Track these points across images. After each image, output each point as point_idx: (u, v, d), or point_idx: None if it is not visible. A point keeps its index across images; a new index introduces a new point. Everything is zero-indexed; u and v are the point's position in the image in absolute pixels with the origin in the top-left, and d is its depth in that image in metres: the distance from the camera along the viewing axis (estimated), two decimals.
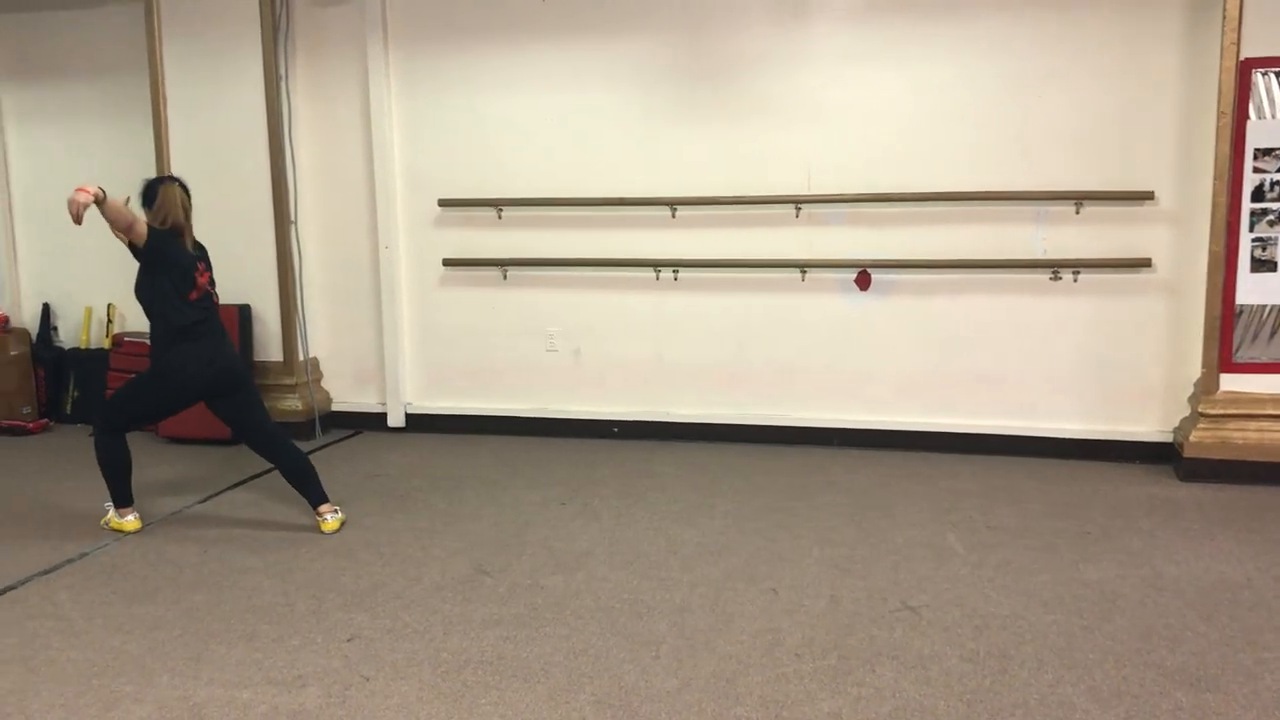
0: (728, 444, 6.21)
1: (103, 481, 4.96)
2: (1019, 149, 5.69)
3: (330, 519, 4.91)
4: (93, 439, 4.93)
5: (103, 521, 5.00)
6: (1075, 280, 5.72)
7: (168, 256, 4.71)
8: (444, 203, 6.53)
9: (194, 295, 4.77)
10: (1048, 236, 5.73)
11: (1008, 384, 5.90)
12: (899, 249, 5.91)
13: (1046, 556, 4.41)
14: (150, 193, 4.80)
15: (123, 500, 4.97)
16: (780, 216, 6.03)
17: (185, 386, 4.80)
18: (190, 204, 4.84)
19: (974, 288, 5.87)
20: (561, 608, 3.99)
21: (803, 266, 6.03)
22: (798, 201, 5.97)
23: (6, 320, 7.19)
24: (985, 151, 5.73)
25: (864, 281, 5.96)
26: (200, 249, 4.90)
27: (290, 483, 4.97)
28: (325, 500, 4.95)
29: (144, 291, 4.77)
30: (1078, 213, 5.66)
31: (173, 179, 4.89)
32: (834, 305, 6.05)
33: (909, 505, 5.12)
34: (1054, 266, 5.71)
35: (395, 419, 6.81)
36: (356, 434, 6.80)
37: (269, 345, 6.64)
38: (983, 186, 5.73)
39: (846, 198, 5.91)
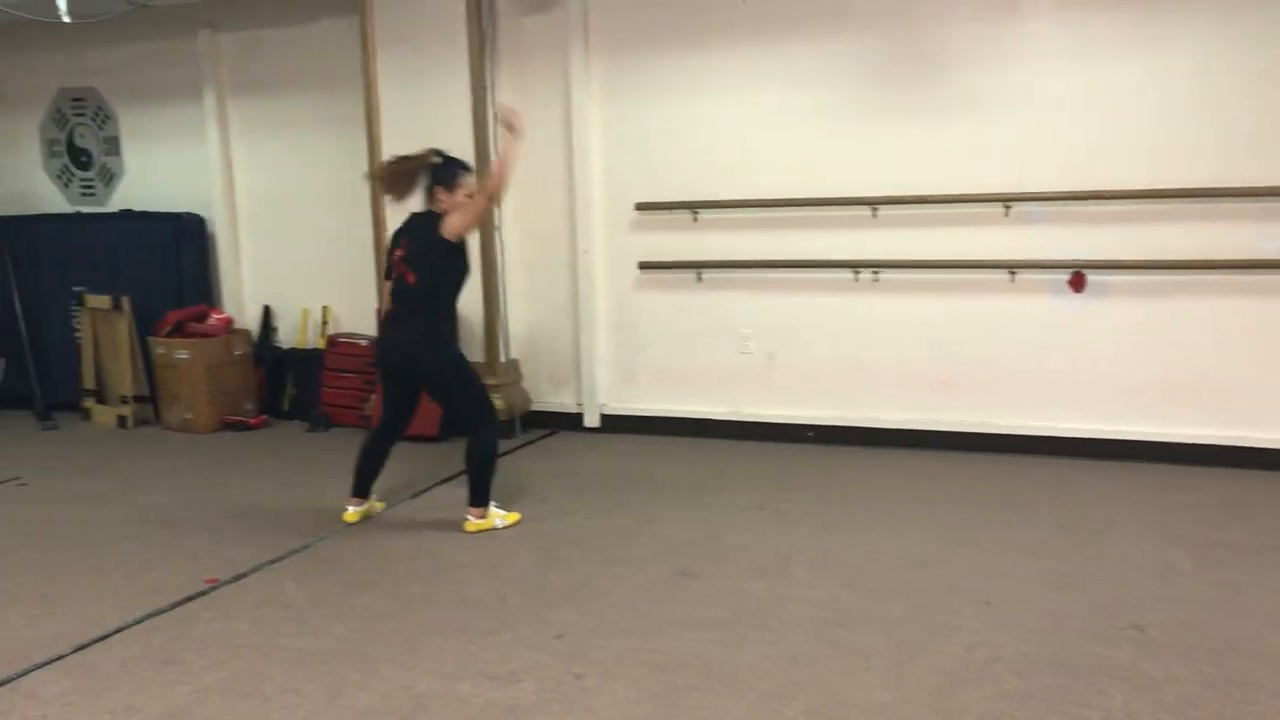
0: (930, 451, 6.04)
1: (317, 473, 5.20)
2: (1251, 142, 5.33)
3: (472, 520, 5.00)
4: None
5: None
6: None
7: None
8: (641, 206, 6.59)
9: (392, 275, 4.97)
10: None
11: (1237, 392, 5.54)
12: (1116, 249, 5.63)
13: None
14: None
15: (353, 490, 5.21)
16: (988, 215, 5.83)
17: (380, 369, 5.18)
18: (408, 170, 4.93)
19: (1198, 290, 5.53)
20: (768, 613, 3.95)
21: (1011, 267, 5.81)
22: (1007, 199, 5.76)
23: (231, 322, 7.63)
24: (1212, 145, 5.40)
25: (1078, 283, 5.70)
26: (408, 227, 4.97)
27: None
28: (478, 504, 5.02)
29: None
30: None
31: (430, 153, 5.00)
32: (1045, 308, 5.81)
33: (1129, 519, 4.86)
34: None
35: (591, 419, 6.91)
36: (553, 433, 6.92)
37: (473, 346, 6.81)
38: (1208, 182, 5.40)
39: (1060, 195, 5.67)
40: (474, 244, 6.59)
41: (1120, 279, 5.67)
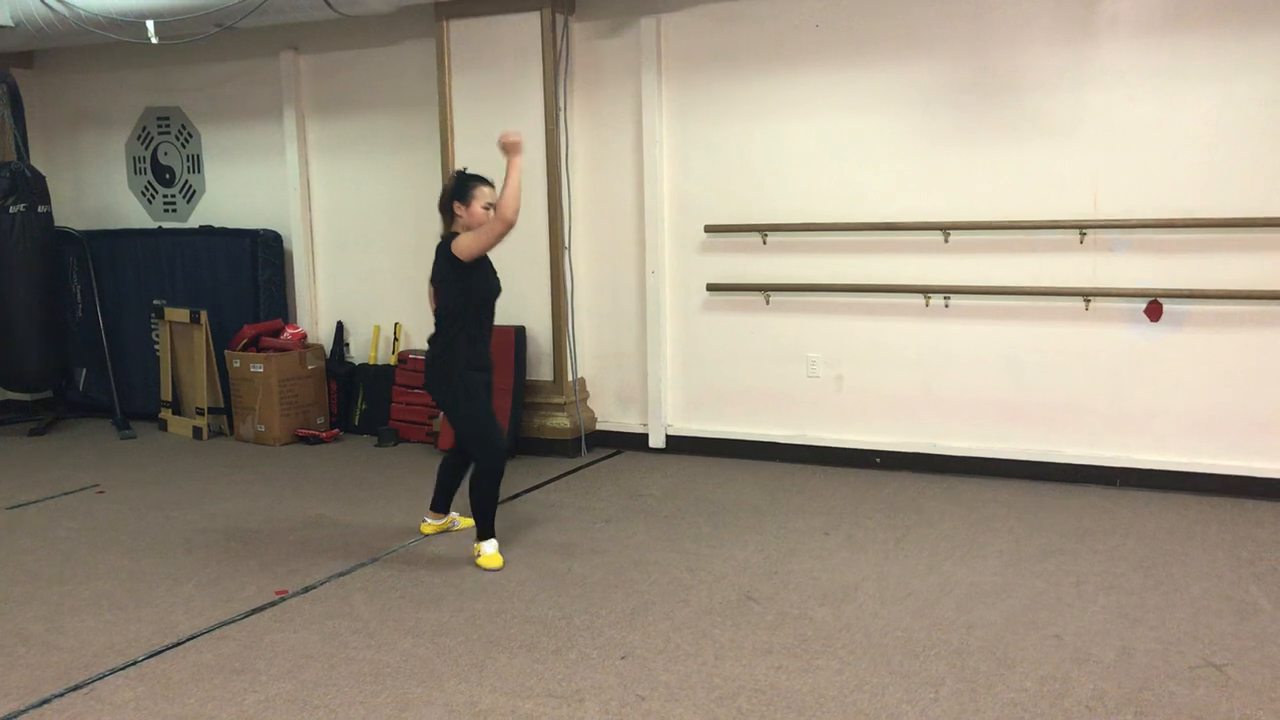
0: (1000, 480, 5.95)
1: (385, 488, 5.24)
2: None
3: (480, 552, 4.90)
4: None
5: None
6: None
7: None
8: (710, 228, 6.59)
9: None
10: None
11: None
12: (1195, 277, 5.51)
13: None
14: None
15: (432, 504, 5.28)
16: (1062, 242, 5.75)
17: None
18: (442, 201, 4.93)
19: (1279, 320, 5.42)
20: (832, 640, 3.92)
21: (1086, 295, 5.72)
22: (1082, 226, 5.67)
23: (305, 337, 7.76)
24: None
25: (1155, 312, 5.60)
26: (437, 247, 4.92)
27: None
28: (480, 538, 4.89)
29: None
30: None
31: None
32: (1120, 337, 5.71)
33: (1205, 553, 4.75)
34: None
35: (656, 440, 6.90)
36: (618, 453, 6.93)
37: (540, 365, 6.88)
38: None
39: (1137, 223, 5.57)
40: (543, 262, 6.70)
41: (1198, 308, 5.55)
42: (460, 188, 4.82)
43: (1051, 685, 3.52)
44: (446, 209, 4.87)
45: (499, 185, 4.77)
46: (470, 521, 5.10)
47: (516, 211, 4.69)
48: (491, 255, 4.90)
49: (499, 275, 5.01)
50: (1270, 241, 5.37)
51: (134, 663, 3.88)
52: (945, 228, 5.96)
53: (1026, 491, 5.74)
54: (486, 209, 4.76)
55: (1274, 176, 5.33)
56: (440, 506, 5.27)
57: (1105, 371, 5.77)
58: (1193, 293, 5.53)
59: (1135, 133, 5.57)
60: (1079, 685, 3.51)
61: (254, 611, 4.34)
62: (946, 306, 6.07)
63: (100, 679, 3.75)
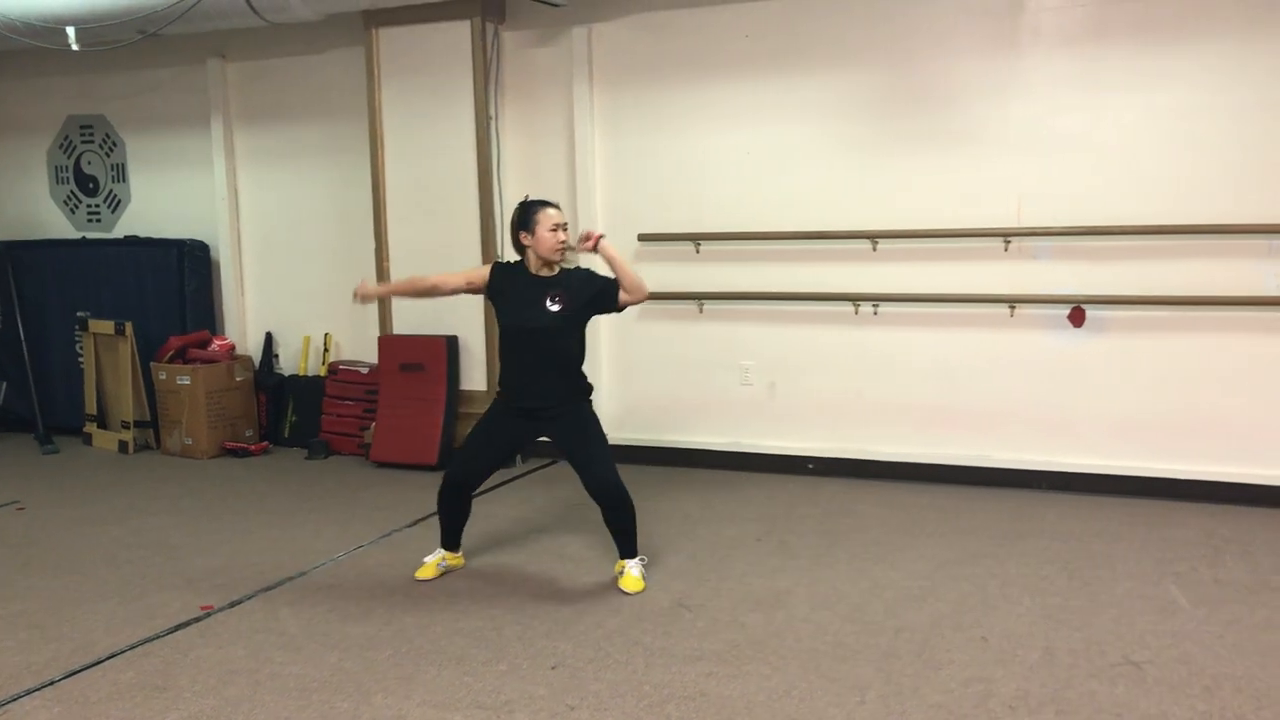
0: (929, 484, 6.03)
1: (315, 501, 5.16)
2: (1255, 178, 5.35)
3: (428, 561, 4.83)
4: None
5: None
6: None
7: None
8: (643, 237, 6.61)
9: None
10: None
11: (1236, 428, 5.53)
12: (1116, 284, 5.64)
13: None
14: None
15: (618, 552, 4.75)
16: (987, 250, 5.85)
17: None
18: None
19: (1199, 325, 5.54)
20: (762, 646, 3.93)
21: (1011, 302, 5.82)
22: (1006, 234, 5.78)
23: (233, 348, 7.64)
24: (1216, 181, 5.41)
25: (1078, 318, 5.71)
26: None
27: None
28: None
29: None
30: None
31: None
32: (1044, 343, 5.82)
33: (1126, 554, 4.84)
34: None
35: None
36: (553, 463, 6.90)
37: (473, 374, 6.84)
38: (1210, 218, 5.42)
39: (1060, 230, 5.69)
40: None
41: (1120, 314, 5.67)
42: (522, 217, 4.56)
43: (976, 686, 3.57)
44: (516, 243, 4.61)
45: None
46: (634, 585, 4.55)
47: (431, 288, 4.76)
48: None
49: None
50: (1189, 248, 5.50)
51: (51, 683, 3.78)
52: (873, 236, 6.04)
53: (956, 496, 5.82)
54: (554, 230, 4.52)
55: (1193, 185, 5.47)
56: (621, 553, 4.69)
57: (1030, 377, 5.88)
58: (1114, 299, 5.65)
59: (1058, 142, 5.69)
60: (1003, 685, 3.56)
61: (178, 627, 4.26)
62: (875, 314, 6.14)
63: (14, 700, 3.65)
